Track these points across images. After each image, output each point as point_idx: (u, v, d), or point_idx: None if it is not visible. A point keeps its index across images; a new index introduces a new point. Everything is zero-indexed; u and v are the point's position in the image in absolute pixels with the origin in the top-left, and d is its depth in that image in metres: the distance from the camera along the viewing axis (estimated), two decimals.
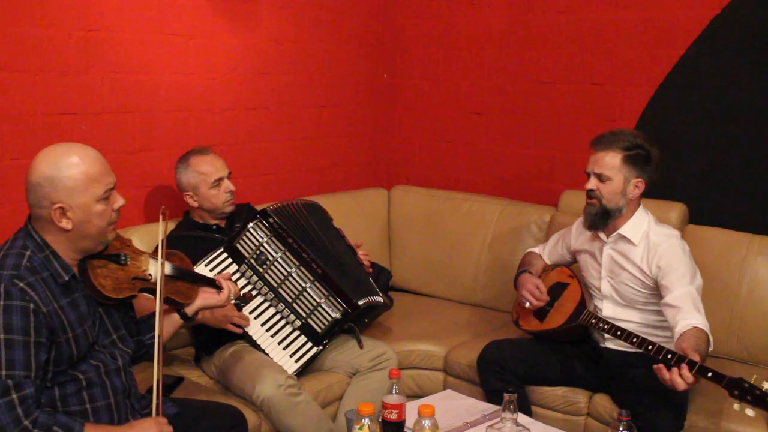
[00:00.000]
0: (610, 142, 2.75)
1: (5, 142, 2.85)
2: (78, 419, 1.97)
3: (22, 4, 2.83)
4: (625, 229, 2.78)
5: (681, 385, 2.29)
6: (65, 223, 1.98)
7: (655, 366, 2.35)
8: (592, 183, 2.76)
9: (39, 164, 1.99)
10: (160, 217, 2.18)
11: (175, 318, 2.32)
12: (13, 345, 1.87)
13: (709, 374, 2.27)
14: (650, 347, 2.48)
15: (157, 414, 2.08)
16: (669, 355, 2.37)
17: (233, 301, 2.46)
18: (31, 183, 1.99)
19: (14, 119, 2.87)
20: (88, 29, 3.02)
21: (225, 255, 2.95)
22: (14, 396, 1.85)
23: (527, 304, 2.94)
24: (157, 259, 2.18)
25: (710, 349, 2.47)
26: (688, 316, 2.50)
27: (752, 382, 2.21)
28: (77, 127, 3.04)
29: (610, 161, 2.72)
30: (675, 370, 2.31)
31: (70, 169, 1.98)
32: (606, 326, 2.70)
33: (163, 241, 2.17)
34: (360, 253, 3.21)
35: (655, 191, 3.35)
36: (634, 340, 2.57)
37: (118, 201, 2.08)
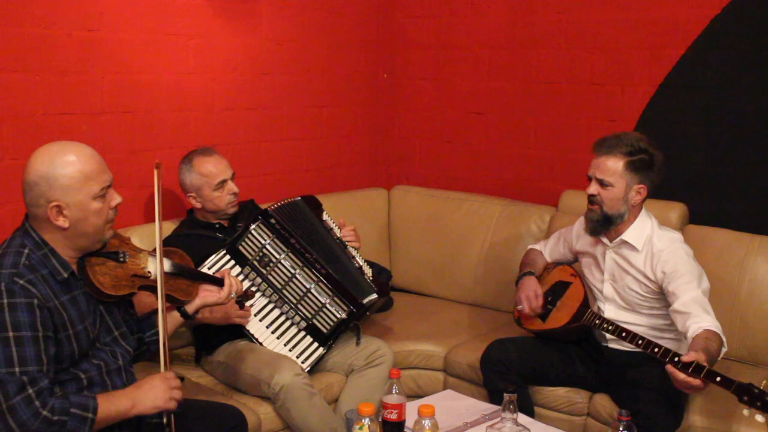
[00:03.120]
0: (612, 146, 2.71)
1: (5, 142, 2.85)
2: (90, 394, 1.98)
3: (22, 4, 2.83)
4: (628, 235, 2.76)
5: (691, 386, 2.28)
6: (62, 222, 1.99)
7: (667, 366, 2.33)
8: (593, 188, 2.74)
9: (35, 163, 1.99)
10: (155, 172, 2.13)
11: (176, 316, 2.32)
12: (23, 341, 1.88)
13: (718, 379, 2.25)
14: (656, 350, 2.47)
15: (165, 369, 2.09)
16: (675, 359, 2.34)
17: (234, 298, 2.46)
18: (27, 182, 1.99)
19: (14, 119, 2.87)
20: (88, 29, 3.02)
21: (228, 257, 2.95)
22: (30, 391, 1.86)
23: (520, 307, 2.95)
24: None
25: (724, 349, 2.45)
26: (698, 320, 2.48)
27: (762, 388, 2.19)
28: (77, 127, 3.03)
29: (612, 167, 2.69)
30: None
31: (66, 167, 1.98)
32: (611, 327, 2.70)
33: (159, 208, 2.14)
34: (346, 230, 3.17)
35: (655, 191, 3.36)
36: (640, 342, 2.56)
37: (115, 199, 2.08)
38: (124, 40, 3.14)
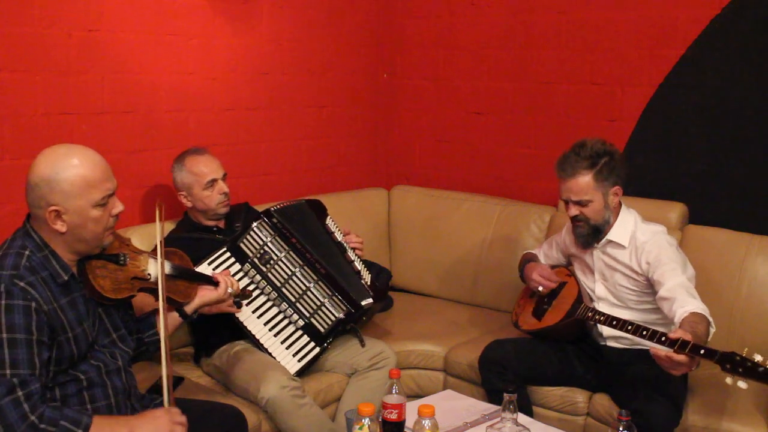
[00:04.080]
0: (574, 165, 2.71)
1: (5, 142, 2.85)
2: (86, 411, 1.97)
3: (22, 4, 2.83)
4: (613, 234, 2.79)
5: (669, 362, 2.29)
6: (59, 226, 1.98)
7: (651, 349, 2.35)
8: (574, 210, 2.75)
9: (39, 164, 1.99)
10: (156, 212, 2.17)
11: (175, 317, 2.33)
12: (17, 344, 1.87)
13: (702, 351, 2.27)
14: (644, 332, 2.51)
15: (169, 405, 2.07)
16: (663, 338, 2.39)
17: (232, 294, 2.47)
18: (29, 182, 1.99)
19: (14, 119, 2.87)
20: (88, 29, 3.02)
21: (228, 254, 2.96)
22: (20, 393, 1.85)
23: (540, 288, 2.95)
24: (156, 258, 2.18)
25: (713, 330, 2.46)
26: (684, 304, 2.50)
27: (744, 355, 2.22)
28: (77, 127, 3.04)
29: (583, 185, 2.70)
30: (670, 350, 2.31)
31: (68, 171, 1.96)
32: (602, 317, 2.73)
33: (161, 238, 2.17)
34: (353, 237, 3.20)
35: (655, 191, 3.36)
36: (629, 327, 2.59)
37: (117, 207, 2.06)
38: (124, 40, 3.14)
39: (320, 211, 3.23)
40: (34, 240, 2.00)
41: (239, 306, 2.65)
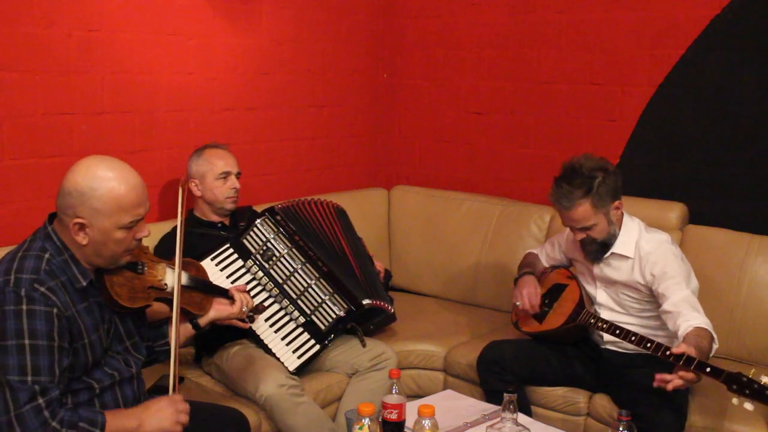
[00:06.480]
0: (569, 195, 2.64)
1: (5, 142, 2.85)
2: (99, 410, 1.97)
3: (22, 4, 2.83)
4: (618, 246, 2.76)
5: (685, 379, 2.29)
6: (81, 238, 1.96)
7: (657, 376, 2.33)
8: (580, 235, 2.73)
9: (77, 174, 1.96)
10: (180, 190, 2.18)
11: (187, 328, 2.34)
12: (38, 350, 1.85)
13: (708, 369, 2.27)
14: (648, 344, 2.50)
15: (173, 391, 2.08)
16: (667, 352, 2.38)
17: (246, 312, 2.48)
18: (63, 188, 1.96)
19: (14, 119, 2.87)
20: (88, 29, 3.02)
21: (231, 250, 2.97)
22: (41, 401, 1.84)
23: (518, 303, 2.94)
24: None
25: (716, 346, 2.47)
26: (688, 318, 2.50)
27: (750, 377, 2.22)
28: (77, 127, 3.03)
29: (583, 213, 2.65)
30: (675, 373, 2.30)
31: (102, 189, 1.94)
32: (605, 325, 2.71)
33: (181, 219, 2.18)
34: (377, 264, 3.28)
35: (655, 191, 3.36)
36: (633, 338, 2.58)
37: (142, 231, 2.04)
38: (124, 40, 3.14)
39: (340, 215, 3.29)
40: (54, 243, 1.98)
41: (252, 320, 2.65)
